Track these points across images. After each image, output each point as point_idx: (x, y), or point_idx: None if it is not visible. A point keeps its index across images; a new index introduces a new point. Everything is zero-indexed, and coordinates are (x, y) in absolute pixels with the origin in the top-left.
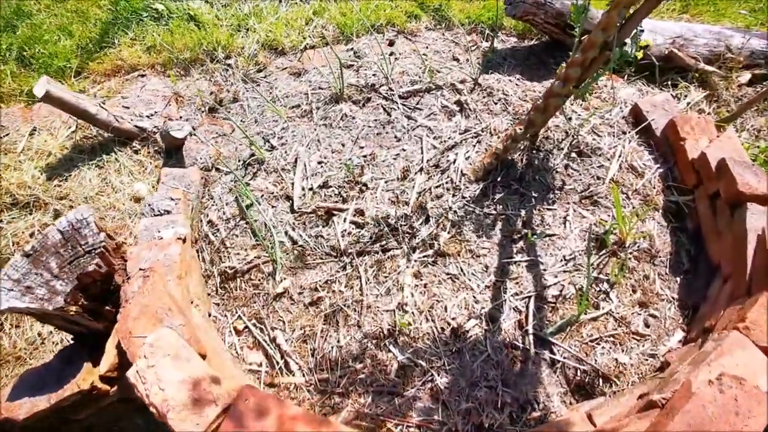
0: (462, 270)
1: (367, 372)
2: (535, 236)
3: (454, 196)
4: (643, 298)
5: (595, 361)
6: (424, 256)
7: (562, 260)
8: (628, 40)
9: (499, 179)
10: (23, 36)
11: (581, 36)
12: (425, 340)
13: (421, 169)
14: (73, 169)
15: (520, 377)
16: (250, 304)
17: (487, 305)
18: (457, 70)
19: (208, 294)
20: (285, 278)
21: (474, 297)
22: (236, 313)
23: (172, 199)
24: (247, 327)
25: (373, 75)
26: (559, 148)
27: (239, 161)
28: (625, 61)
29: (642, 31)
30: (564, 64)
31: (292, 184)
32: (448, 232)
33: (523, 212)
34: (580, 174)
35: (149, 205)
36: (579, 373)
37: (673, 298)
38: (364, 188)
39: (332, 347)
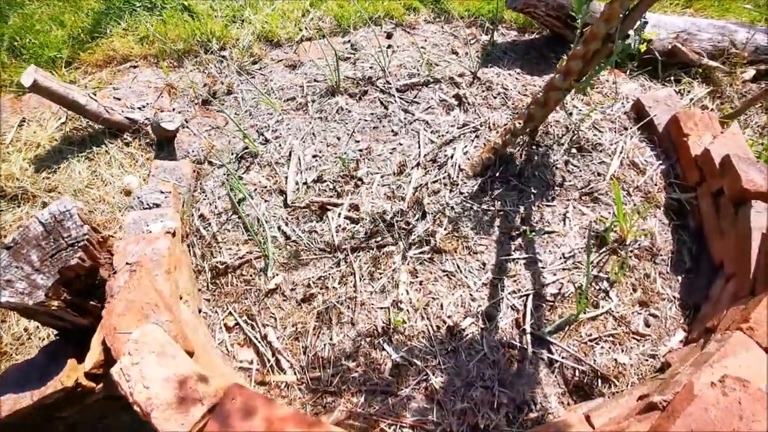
0: (459, 267)
1: (360, 371)
2: (533, 233)
3: (451, 191)
4: (643, 297)
5: (594, 361)
6: (420, 253)
7: (561, 258)
8: (631, 32)
9: (497, 175)
10: (15, 26)
11: (583, 28)
12: (420, 338)
13: (418, 164)
14: (62, 161)
15: (517, 377)
16: (241, 300)
17: (484, 303)
18: (456, 63)
19: (199, 290)
20: (277, 274)
21: (471, 295)
22: (227, 309)
23: (162, 192)
24: (238, 323)
25: (370, 68)
26: (559, 143)
27: (232, 154)
28: (628, 55)
29: (646, 22)
30: (565, 57)
31: (286, 178)
32: (445, 229)
33: (521, 208)
34: (580, 170)
35: (138, 198)
36: (577, 374)
37: (674, 297)
38: (359, 183)
39: (325, 345)
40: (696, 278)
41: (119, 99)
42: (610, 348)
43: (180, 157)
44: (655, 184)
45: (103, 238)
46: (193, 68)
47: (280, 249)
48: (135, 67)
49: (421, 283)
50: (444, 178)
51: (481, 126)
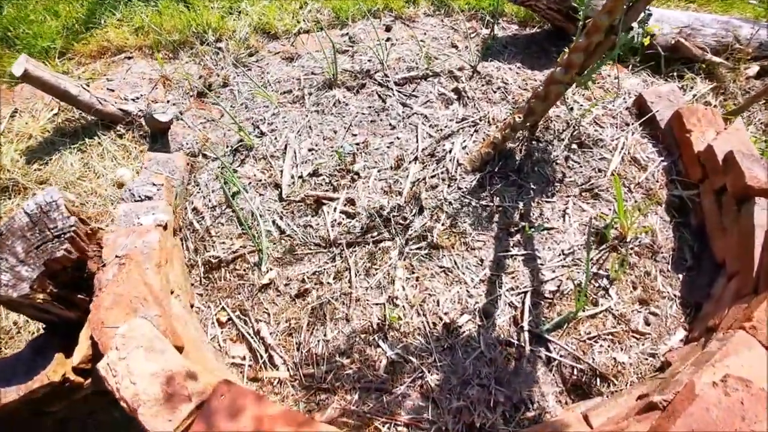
0: (456, 263)
1: (354, 368)
2: (532, 229)
3: (449, 186)
4: (643, 295)
5: (593, 359)
6: (416, 249)
7: (560, 255)
8: (634, 25)
9: (496, 170)
10: (9, 16)
11: (585, 20)
12: (416, 335)
13: (416, 158)
14: (54, 153)
15: (514, 375)
16: (234, 295)
17: (482, 300)
18: (455, 57)
19: (191, 284)
20: (271, 269)
21: (468, 291)
22: (220, 304)
23: (154, 185)
24: (230, 319)
25: (369, 61)
26: (559, 138)
27: (227, 147)
28: (630, 50)
29: (650, 15)
30: (566, 50)
31: (281, 171)
32: (443, 224)
33: (520, 204)
34: (580, 166)
35: (130, 190)
36: (575, 372)
37: (674, 295)
38: (355, 177)
39: (319, 341)
40: (697, 276)
41: (113, 90)
42: (609, 346)
43: (174, 149)
44: (657, 181)
45: (91, 230)
46: (189, 60)
47: (274, 243)
48: (129, 58)
49: (417, 279)
50: (442, 172)
51: (481, 120)
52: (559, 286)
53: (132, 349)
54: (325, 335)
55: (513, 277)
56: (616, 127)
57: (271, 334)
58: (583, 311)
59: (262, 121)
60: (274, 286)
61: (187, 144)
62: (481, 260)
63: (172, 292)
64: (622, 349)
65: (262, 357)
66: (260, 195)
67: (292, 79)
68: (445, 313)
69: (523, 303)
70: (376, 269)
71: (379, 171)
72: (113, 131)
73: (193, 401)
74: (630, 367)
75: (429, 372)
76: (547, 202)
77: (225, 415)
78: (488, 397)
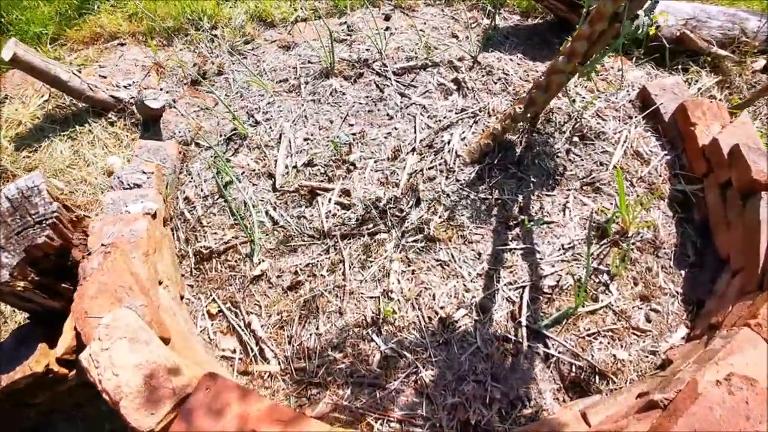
0: (453, 257)
1: (347, 362)
2: (532, 223)
3: (447, 178)
4: (644, 291)
5: (592, 356)
6: (413, 241)
7: (560, 249)
8: (640, 12)
9: (495, 162)
10: (2, 2)
11: (589, 7)
12: (411, 329)
13: (414, 149)
14: (43, 140)
15: (510, 372)
16: (225, 286)
17: (479, 294)
18: (455, 47)
19: (182, 275)
20: (263, 260)
21: (464, 285)
22: (210, 296)
23: (144, 173)
24: (221, 311)
25: (367, 50)
26: (560, 131)
27: (220, 136)
28: (634, 41)
29: (656, 2)
30: (569, 38)
31: (275, 161)
32: (440, 217)
33: (520, 197)
34: (582, 159)
35: (118, 178)
36: (574, 369)
37: (676, 292)
38: (351, 168)
39: (311, 335)
40: (700, 273)
41: (105, 77)
42: (608, 343)
43: (166, 137)
44: (660, 175)
45: (77, 217)
46: (183, 47)
47: (267, 234)
48: (122, 44)
49: (413, 272)
50: (440, 164)
51: (480, 111)
52: (558, 281)
53: (115, 340)
54: (317, 328)
55: (511, 272)
56: (619, 120)
57: (262, 326)
58: (583, 307)
59: (257, 110)
60: (266, 277)
61: (179, 132)
62: (479, 254)
63: (160, 283)
64: (622, 346)
65: (252, 350)
66: (253, 185)
67: (288, 68)
68: (441, 308)
69: (521, 298)
70: (371, 262)
71: (375, 162)
72: (104, 119)
73: (178, 394)
74: (630, 364)
75: (424, 367)
76: (547, 195)
77: (207, 413)
78: (484, 393)
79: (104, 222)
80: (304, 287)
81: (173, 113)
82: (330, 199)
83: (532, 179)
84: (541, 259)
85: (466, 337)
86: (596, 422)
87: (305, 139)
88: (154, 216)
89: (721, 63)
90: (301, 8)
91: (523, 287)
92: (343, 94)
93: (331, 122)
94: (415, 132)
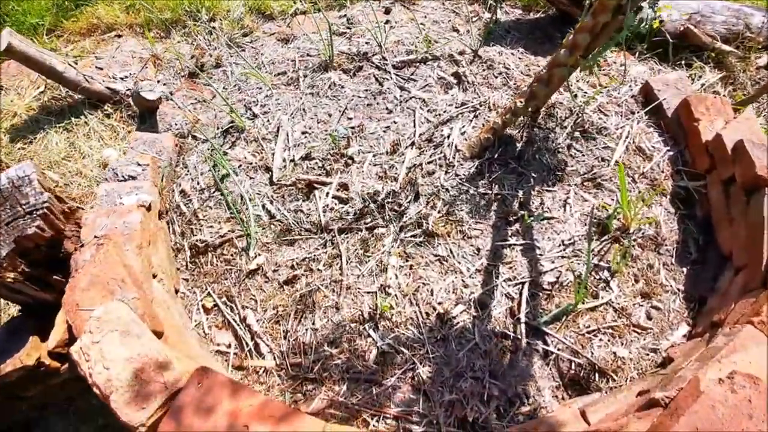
0: (451, 252)
1: (343, 358)
2: (532, 219)
3: (446, 173)
4: (645, 288)
5: (592, 354)
6: (411, 236)
7: (560, 245)
8: (644, 4)
9: (496, 157)
10: None
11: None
12: (408, 325)
13: (413, 144)
14: (39, 132)
15: (509, 369)
16: (221, 280)
17: (477, 290)
18: (456, 40)
19: (177, 269)
20: (259, 254)
21: (463, 281)
22: (206, 290)
23: (139, 165)
24: (216, 305)
25: (366, 43)
26: (562, 126)
27: (218, 129)
28: (637, 36)
29: None
30: (572, 30)
31: (273, 154)
32: (439, 212)
33: (520, 193)
34: (583, 155)
35: (113, 169)
36: (573, 367)
37: (678, 289)
38: (349, 161)
39: (307, 330)
40: (702, 270)
41: (101, 69)
42: (609, 341)
43: (162, 130)
44: (662, 171)
45: (69, 209)
46: (181, 39)
47: (263, 228)
48: (119, 36)
49: (411, 267)
50: (440, 158)
51: (481, 106)
52: (558, 278)
53: (106, 333)
54: (313, 324)
55: (510, 268)
56: (621, 116)
57: (257, 321)
58: (583, 304)
59: (254, 102)
60: (262, 272)
61: (176, 125)
62: (478, 249)
63: (155, 276)
64: (622, 344)
65: (247, 345)
66: (250, 178)
67: (286, 61)
68: (439, 303)
69: (521, 294)
70: (368, 256)
71: (374, 156)
72: (101, 111)
73: (169, 389)
74: (630, 362)
75: (421, 364)
76: (547, 190)
77: (197, 410)
78: (482, 390)
79: (98, 214)
80: (301, 282)
81: (170, 105)
82: (328, 193)
83: (533, 174)
84: (541, 255)
85: (464, 334)
86: (596, 420)
87: (303, 133)
88: (148, 208)
89: (725, 59)
90: (301, 1)
91: (523, 283)
92: (342, 87)
93: (330, 116)
94: (414, 126)
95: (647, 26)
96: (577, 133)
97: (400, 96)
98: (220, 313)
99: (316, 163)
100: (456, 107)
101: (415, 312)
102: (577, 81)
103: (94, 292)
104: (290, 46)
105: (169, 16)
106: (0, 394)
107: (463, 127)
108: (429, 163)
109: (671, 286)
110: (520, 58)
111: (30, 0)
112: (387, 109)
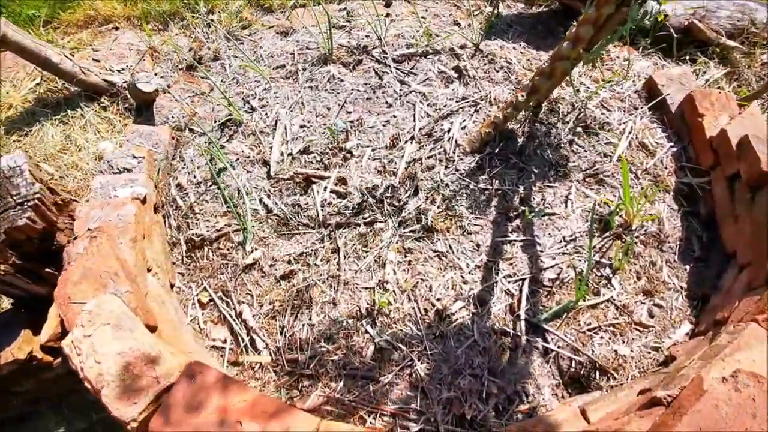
0: (451, 247)
1: (340, 354)
2: (533, 215)
3: (446, 168)
4: (648, 286)
5: (593, 351)
6: (410, 231)
7: (561, 241)
8: None
9: (496, 151)
10: None
11: None
12: (406, 321)
13: (412, 138)
14: (34, 124)
15: (508, 366)
16: (217, 275)
17: (477, 287)
18: (457, 34)
19: (173, 263)
20: (256, 249)
21: (462, 277)
22: (202, 284)
23: (134, 157)
24: (212, 300)
25: (366, 36)
26: (564, 121)
27: (215, 122)
28: (641, 31)
29: None
30: (575, 23)
31: (271, 148)
32: (438, 207)
33: (521, 188)
34: (585, 150)
35: (108, 162)
36: (574, 364)
37: (681, 287)
38: (348, 155)
39: (303, 325)
40: (705, 267)
41: (98, 61)
42: (610, 338)
43: (159, 122)
44: (666, 167)
45: (62, 200)
46: (179, 32)
47: (260, 222)
48: (117, 28)
49: (409, 263)
50: (439, 153)
51: (482, 100)
52: (558, 274)
53: (98, 327)
54: (310, 319)
55: (510, 264)
56: (624, 111)
57: (253, 316)
58: (584, 301)
59: (252, 96)
60: (258, 266)
61: (173, 117)
62: (478, 245)
63: (149, 270)
64: (623, 342)
65: (243, 340)
66: (247, 172)
67: (285, 54)
68: (438, 299)
69: (521, 291)
70: (366, 252)
71: (373, 150)
72: (97, 103)
73: (162, 383)
74: (632, 360)
75: (419, 360)
76: (549, 186)
77: (188, 405)
78: (480, 387)
79: (91, 206)
80: (298, 277)
81: (167, 98)
82: (326, 188)
83: (534, 170)
84: (541, 251)
85: (462, 330)
86: (596, 419)
87: (301, 126)
88: (143, 201)
89: (730, 54)
90: None
91: (523, 280)
92: (341, 80)
93: (329, 109)
94: (414, 120)
95: (651, 19)
96: (579, 129)
97: (400, 90)
98: (215, 308)
99: (315, 157)
100: (456, 101)
101: (414, 308)
102: (580, 76)
103: (86, 285)
104: (289, 39)
105: (167, 8)
106: None
107: (464, 121)
108: (429, 157)
109: (674, 283)
110: (522, 53)
111: None
112: (387, 102)
